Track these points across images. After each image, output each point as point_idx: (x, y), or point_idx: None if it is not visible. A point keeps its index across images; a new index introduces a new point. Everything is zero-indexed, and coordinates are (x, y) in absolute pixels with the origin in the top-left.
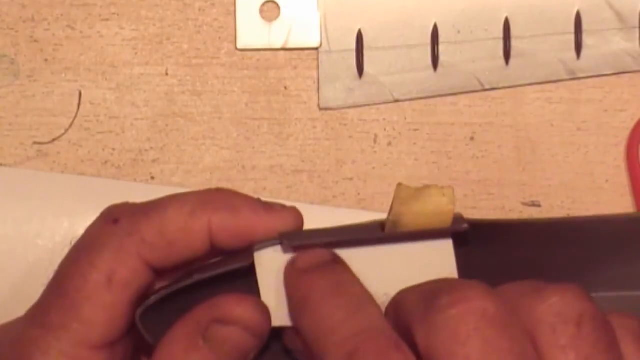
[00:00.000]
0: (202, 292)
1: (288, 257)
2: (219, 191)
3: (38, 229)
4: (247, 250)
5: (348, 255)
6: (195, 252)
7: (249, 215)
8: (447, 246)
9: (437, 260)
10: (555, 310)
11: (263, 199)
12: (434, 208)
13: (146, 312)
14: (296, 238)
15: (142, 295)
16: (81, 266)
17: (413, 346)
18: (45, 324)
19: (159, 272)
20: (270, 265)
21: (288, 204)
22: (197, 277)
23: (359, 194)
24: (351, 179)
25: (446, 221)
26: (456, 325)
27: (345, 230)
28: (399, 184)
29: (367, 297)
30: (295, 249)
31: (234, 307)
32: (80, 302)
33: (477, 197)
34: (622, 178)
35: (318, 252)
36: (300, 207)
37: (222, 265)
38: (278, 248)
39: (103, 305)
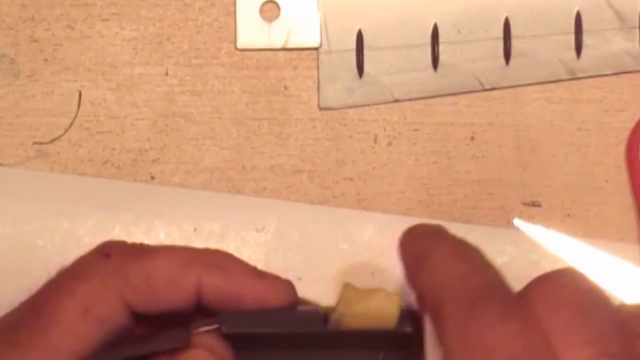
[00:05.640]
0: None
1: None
2: (215, 251)
3: (38, 229)
4: (183, 328)
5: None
6: (179, 305)
7: (240, 279)
8: None
9: None
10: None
11: (263, 199)
12: (378, 313)
13: None
14: (234, 324)
15: (117, 337)
16: (61, 291)
17: None
18: (13, 341)
19: (138, 317)
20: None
21: (288, 204)
22: (131, 353)
23: (359, 194)
24: (351, 179)
25: (390, 323)
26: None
27: (286, 320)
28: (346, 284)
29: (486, 260)
30: (232, 335)
31: None
32: (51, 326)
33: (477, 197)
34: (622, 178)
35: (431, 225)
36: (300, 207)
37: (158, 343)
38: (215, 331)
39: (73, 334)
